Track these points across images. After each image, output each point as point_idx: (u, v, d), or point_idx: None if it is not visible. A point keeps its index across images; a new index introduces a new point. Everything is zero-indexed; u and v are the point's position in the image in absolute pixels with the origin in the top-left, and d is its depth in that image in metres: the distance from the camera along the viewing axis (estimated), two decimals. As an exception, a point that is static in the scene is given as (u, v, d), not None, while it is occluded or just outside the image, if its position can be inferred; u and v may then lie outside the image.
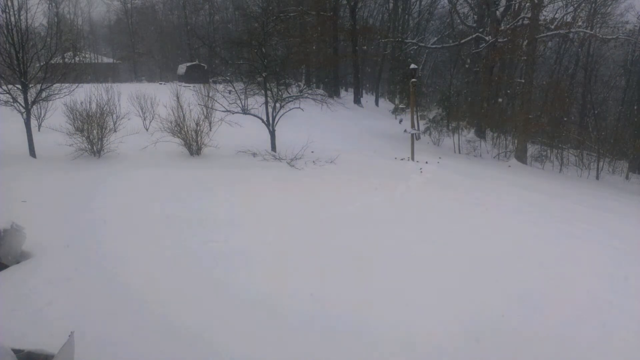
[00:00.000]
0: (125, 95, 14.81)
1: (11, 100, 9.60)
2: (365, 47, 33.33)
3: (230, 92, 12.65)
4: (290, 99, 12.66)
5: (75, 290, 4.54)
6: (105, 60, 46.85)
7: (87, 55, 40.22)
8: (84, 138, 10.09)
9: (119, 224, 6.47)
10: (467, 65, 28.00)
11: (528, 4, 21.03)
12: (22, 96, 9.67)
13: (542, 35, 20.55)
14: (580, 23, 24.25)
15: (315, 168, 11.01)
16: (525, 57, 20.21)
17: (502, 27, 22.79)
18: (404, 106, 23.82)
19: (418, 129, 19.54)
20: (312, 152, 12.27)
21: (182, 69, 34.27)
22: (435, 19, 39.65)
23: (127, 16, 51.76)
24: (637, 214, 11.69)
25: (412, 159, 13.80)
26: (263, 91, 12.36)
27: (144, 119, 14.30)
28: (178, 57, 43.22)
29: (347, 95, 32.45)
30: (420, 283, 5.22)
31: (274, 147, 12.40)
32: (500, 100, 24.27)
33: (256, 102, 12.49)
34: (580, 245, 7.31)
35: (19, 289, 4.45)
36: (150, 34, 49.66)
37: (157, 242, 5.89)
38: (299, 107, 12.87)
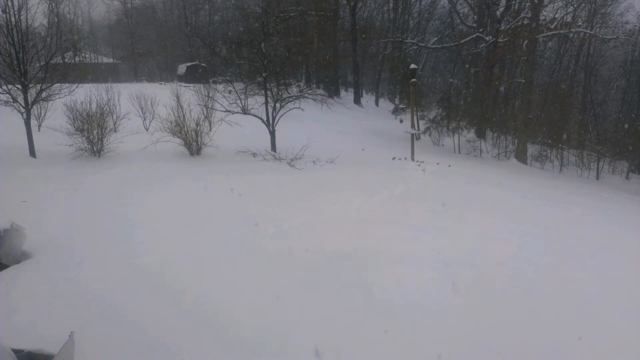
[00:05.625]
0: (125, 95, 14.81)
1: (11, 100, 9.60)
2: (366, 47, 33.30)
3: (230, 92, 12.65)
4: (290, 99, 12.66)
5: (75, 290, 4.54)
6: (105, 60, 46.78)
7: (87, 56, 40.15)
8: (84, 138, 10.09)
9: (118, 223, 6.47)
10: (467, 65, 27.99)
11: (528, 4, 21.05)
12: (22, 96, 9.67)
13: (542, 35, 20.55)
14: (580, 23, 24.27)
15: (315, 168, 11.00)
16: (525, 57, 20.20)
17: (502, 27, 22.81)
18: (404, 106, 23.81)
19: (418, 129, 19.53)
20: (312, 152, 12.26)
21: (182, 69, 34.24)
22: (435, 19, 39.60)
23: (127, 16, 51.74)
24: (637, 215, 11.69)
25: (412, 159, 13.79)
26: (263, 91, 12.35)
27: (144, 119, 14.30)
28: (178, 57, 43.14)
29: (347, 95, 32.44)
30: (418, 284, 5.22)
31: (274, 147, 12.39)
32: (499, 100, 24.27)
33: (256, 102, 12.49)
34: (580, 245, 7.30)
35: (19, 289, 4.45)
36: (150, 34, 49.57)
37: (157, 241, 5.90)
38: (299, 107, 12.87)
